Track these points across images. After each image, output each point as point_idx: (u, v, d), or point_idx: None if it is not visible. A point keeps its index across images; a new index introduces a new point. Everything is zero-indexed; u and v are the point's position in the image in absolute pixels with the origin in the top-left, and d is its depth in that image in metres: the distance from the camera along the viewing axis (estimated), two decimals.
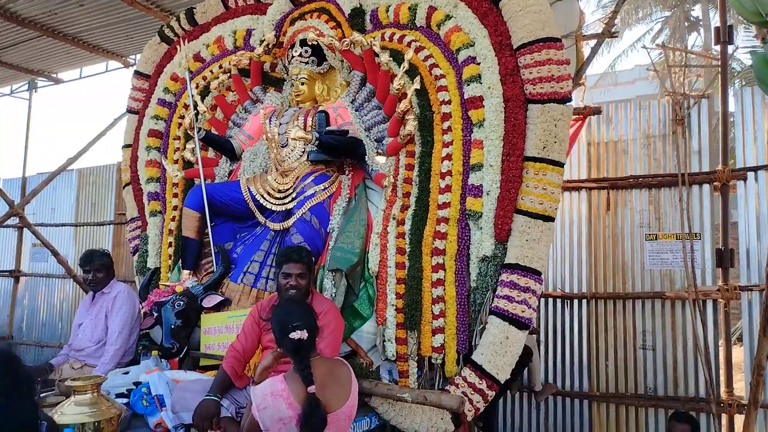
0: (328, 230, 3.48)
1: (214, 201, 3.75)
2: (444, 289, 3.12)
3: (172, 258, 4.11)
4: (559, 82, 3.01)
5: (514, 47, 3.11)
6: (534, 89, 3.05)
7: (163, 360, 3.28)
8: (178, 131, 4.34)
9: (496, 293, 3.01)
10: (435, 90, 3.34)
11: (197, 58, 4.42)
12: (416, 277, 3.13)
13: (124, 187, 4.73)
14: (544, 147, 3.03)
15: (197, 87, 4.25)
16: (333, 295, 3.20)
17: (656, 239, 4.69)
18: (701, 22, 16.39)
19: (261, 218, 3.70)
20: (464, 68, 3.22)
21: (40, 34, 6.74)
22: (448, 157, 3.24)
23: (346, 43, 3.66)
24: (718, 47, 4.62)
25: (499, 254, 3.05)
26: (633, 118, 4.91)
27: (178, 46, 4.30)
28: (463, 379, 2.96)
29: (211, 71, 4.28)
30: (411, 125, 3.33)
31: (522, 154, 3.05)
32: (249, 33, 4.26)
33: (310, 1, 3.99)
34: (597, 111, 4.65)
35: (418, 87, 3.30)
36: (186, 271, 3.77)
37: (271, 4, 4.16)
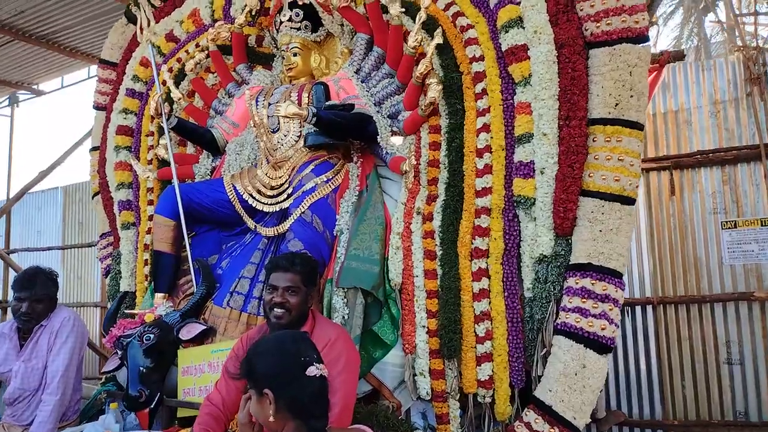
0: (335, 233, 2.85)
1: (193, 204, 3.11)
2: (490, 303, 2.49)
3: (149, 279, 3.43)
4: (632, 14, 2.34)
5: None
6: (597, 28, 2.38)
7: (130, 413, 2.55)
8: (151, 126, 3.72)
9: (562, 305, 2.36)
10: (461, 45, 2.74)
11: (170, 38, 3.84)
12: (452, 289, 2.51)
13: (93, 197, 4.07)
14: (617, 104, 2.36)
15: (171, 71, 3.65)
16: (346, 318, 2.52)
17: (735, 227, 3.98)
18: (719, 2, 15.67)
19: (251, 223, 3.06)
20: (499, 11, 2.61)
21: (12, 39, 6.27)
22: (485, 128, 2.61)
23: None
24: None
25: (562, 252, 2.41)
26: (695, 81, 4.16)
27: (138, 15, 3.61)
28: (526, 426, 2.22)
29: (187, 51, 3.72)
30: (434, 91, 2.67)
31: (586, 116, 2.40)
32: (229, 2, 3.69)
33: None
34: (680, 56, 3.72)
35: (440, 41, 2.63)
36: (160, 295, 3.07)
37: None
